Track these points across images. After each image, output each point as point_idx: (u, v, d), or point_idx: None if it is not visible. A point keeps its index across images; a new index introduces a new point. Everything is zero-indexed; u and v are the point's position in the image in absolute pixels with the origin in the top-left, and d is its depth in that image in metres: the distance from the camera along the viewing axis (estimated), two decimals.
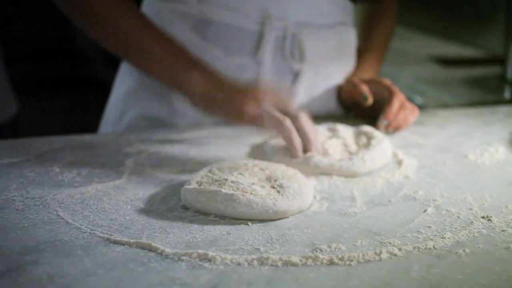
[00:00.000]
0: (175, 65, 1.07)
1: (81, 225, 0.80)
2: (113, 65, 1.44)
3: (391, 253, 0.75)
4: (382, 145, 1.03)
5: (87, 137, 1.12)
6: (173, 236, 0.78)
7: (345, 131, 1.09)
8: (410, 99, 1.56)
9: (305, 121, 1.00)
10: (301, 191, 0.85)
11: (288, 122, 0.98)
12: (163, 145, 1.10)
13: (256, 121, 1.00)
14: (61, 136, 1.11)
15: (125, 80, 1.27)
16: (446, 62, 1.93)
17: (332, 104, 1.28)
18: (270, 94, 1.03)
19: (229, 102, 1.02)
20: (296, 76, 1.21)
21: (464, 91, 1.64)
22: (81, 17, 1.11)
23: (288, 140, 0.98)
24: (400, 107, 1.13)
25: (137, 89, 1.24)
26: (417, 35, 2.36)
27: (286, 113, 1.00)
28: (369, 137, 1.07)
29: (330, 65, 1.25)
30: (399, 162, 1.04)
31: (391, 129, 1.12)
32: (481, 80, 1.75)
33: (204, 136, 1.14)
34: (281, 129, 0.98)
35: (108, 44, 1.12)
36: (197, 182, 0.86)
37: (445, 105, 1.50)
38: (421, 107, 1.50)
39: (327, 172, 0.98)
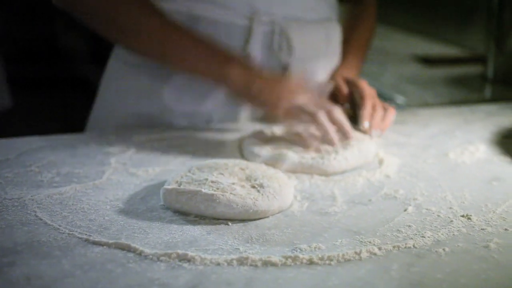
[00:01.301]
0: (213, 60, 1.11)
1: (60, 225, 0.79)
2: (96, 64, 1.43)
3: (371, 252, 0.75)
4: (361, 145, 1.03)
5: (68, 137, 1.11)
6: (152, 236, 0.77)
7: None
8: (391, 99, 1.57)
9: (340, 113, 1.05)
10: (282, 191, 0.85)
11: (322, 114, 1.03)
12: (145, 144, 1.09)
13: (290, 114, 1.06)
14: (42, 136, 1.10)
15: (113, 78, 1.27)
16: (428, 61, 1.94)
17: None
18: (304, 87, 1.08)
19: (265, 95, 1.07)
20: (284, 70, 1.21)
21: (446, 90, 1.64)
22: (105, 24, 1.14)
23: (324, 131, 1.02)
24: (373, 108, 1.13)
25: (127, 87, 1.23)
26: (400, 34, 2.37)
27: (320, 106, 1.05)
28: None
29: (317, 61, 1.25)
30: (380, 161, 1.04)
31: (378, 131, 1.11)
32: (462, 79, 1.75)
33: (186, 136, 1.14)
34: (316, 121, 1.03)
35: (140, 49, 1.16)
36: (177, 182, 0.86)
37: (427, 104, 1.50)
38: (403, 107, 1.51)
39: (298, 170, 0.98)
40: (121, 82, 1.24)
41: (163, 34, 1.11)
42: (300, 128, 1.05)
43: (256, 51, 1.19)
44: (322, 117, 1.03)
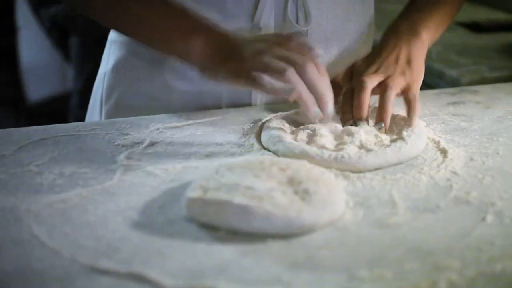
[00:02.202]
0: (174, 32, 0.94)
1: (60, 247, 0.64)
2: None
3: (450, 282, 0.59)
4: (412, 139, 0.87)
5: (73, 126, 0.96)
6: (173, 261, 0.62)
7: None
8: (442, 74, 1.40)
9: (312, 70, 0.85)
10: (331, 198, 0.69)
11: (290, 73, 0.83)
12: (161, 134, 0.93)
13: (255, 79, 0.85)
14: (43, 126, 0.95)
15: (112, 52, 1.12)
16: (477, 27, 1.74)
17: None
18: (279, 43, 0.88)
19: (230, 61, 0.88)
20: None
21: (503, 61, 1.45)
22: None
23: (297, 97, 0.84)
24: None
25: (126, 62, 1.09)
26: None
27: (291, 61, 0.84)
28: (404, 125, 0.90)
29: (340, 30, 1.07)
30: (443, 153, 0.87)
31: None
32: None
33: (211, 122, 0.98)
34: (284, 81, 0.83)
35: (95, 11, 0.99)
36: (202, 187, 0.70)
37: (484, 79, 1.32)
38: (457, 83, 1.34)
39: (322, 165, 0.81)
40: (121, 56, 1.10)
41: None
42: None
43: (268, 20, 1.02)
44: (292, 75, 0.83)
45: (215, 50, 0.90)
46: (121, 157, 0.85)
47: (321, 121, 0.88)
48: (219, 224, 0.67)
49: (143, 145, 0.89)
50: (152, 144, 0.89)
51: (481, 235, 0.67)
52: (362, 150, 0.84)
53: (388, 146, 0.85)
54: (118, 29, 1.04)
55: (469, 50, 1.54)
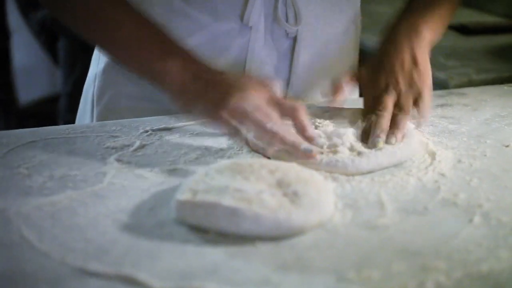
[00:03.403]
0: (148, 53, 0.90)
1: (50, 249, 0.64)
2: None
3: (437, 283, 0.59)
4: (404, 142, 0.88)
5: (63, 129, 0.96)
6: (163, 262, 0.63)
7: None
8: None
9: (301, 114, 0.83)
10: (320, 200, 0.70)
11: (272, 125, 0.80)
12: (151, 136, 0.93)
13: (233, 118, 0.81)
14: (33, 129, 0.95)
15: (102, 54, 1.11)
16: (465, 30, 1.75)
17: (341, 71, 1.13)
18: (260, 85, 0.85)
19: (207, 94, 0.84)
20: (294, 41, 1.05)
21: (491, 63, 1.47)
22: None
23: (280, 142, 0.81)
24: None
25: (116, 64, 1.07)
26: None
27: (278, 107, 0.83)
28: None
29: (330, 32, 1.08)
30: (431, 154, 0.88)
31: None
32: (507, 49, 1.58)
33: (200, 124, 0.98)
34: (265, 132, 0.81)
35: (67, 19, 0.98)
36: (192, 190, 0.70)
37: (472, 82, 1.33)
38: (444, 85, 1.34)
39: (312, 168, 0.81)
40: (113, 65, 1.08)
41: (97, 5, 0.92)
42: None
43: (258, 20, 1.02)
44: (274, 127, 0.80)
45: (194, 79, 0.86)
46: (111, 159, 0.85)
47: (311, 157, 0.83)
48: (209, 226, 0.67)
49: (133, 148, 0.89)
50: (142, 146, 0.90)
51: (468, 237, 0.67)
52: (354, 153, 0.84)
53: (380, 149, 0.85)
54: (95, 43, 1.01)
55: (457, 53, 1.55)
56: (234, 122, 0.82)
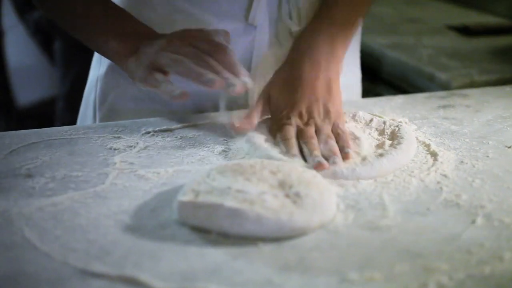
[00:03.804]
0: (96, 32, 0.98)
1: (51, 250, 0.64)
2: None
3: (439, 284, 0.59)
4: (403, 146, 0.87)
5: (65, 130, 0.96)
6: (165, 263, 0.62)
7: (369, 122, 0.94)
8: (432, 77, 1.40)
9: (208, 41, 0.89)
10: (323, 201, 0.70)
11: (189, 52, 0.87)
12: (153, 137, 0.93)
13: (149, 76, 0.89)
14: (35, 130, 0.95)
15: (101, 59, 1.11)
16: (467, 31, 1.75)
17: (351, 70, 1.14)
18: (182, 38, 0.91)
19: (134, 57, 0.92)
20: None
21: (493, 64, 1.46)
22: None
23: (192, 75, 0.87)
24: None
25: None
26: (434, 2, 2.18)
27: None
28: (394, 135, 0.90)
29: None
30: (433, 156, 0.88)
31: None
32: (510, 51, 1.57)
33: (202, 125, 0.98)
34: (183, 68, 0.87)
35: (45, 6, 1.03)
36: (194, 191, 0.70)
37: (474, 83, 1.33)
38: (447, 86, 1.34)
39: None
40: (117, 68, 1.06)
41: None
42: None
43: (262, 19, 1.03)
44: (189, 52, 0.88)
45: (127, 46, 0.93)
46: (113, 160, 0.85)
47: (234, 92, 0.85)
48: (211, 227, 0.67)
49: (135, 149, 0.89)
50: (144, 147, 0.90)
51: (470, 238, 0.67)
52: (358, 159, 0.83)
53: (381, 155, 0.84)
54: (61, 25, 1.05)
55: (459, 54, 1.54)
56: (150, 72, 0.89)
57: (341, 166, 0.81)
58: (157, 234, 0.68)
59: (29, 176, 0.80)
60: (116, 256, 0.63)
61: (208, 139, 0.93)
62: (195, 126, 0.97)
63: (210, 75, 0.85)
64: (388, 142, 0.88)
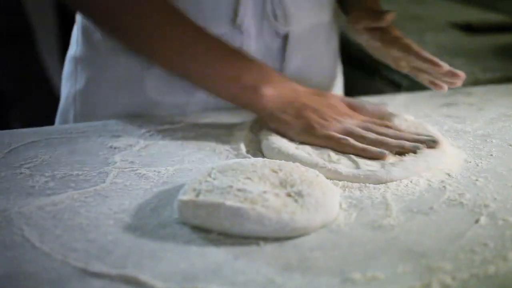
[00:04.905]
0: (237, 81, 0.93)
1: (51, 249, 0.64)
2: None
3: (443, 284, 0.59)
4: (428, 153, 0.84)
5: (65, 128, 0.95)
6: (165, 263, 0.62)
7: (400, 123, 0.93)
8: None
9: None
10: (326, 201, 0.69)
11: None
12: (154, 136, 0.93)
13: (332, 141, 0.86)
14: (35, 128, 0.95)
15: (80, 71, 1.06)
16: (470, 28, 1.74)
17: (334, 68, 1.15)
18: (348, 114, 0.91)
19: (302, 118, 0.89)
20: (285, 40, 1.04)
21: (496, 62, 1.45)
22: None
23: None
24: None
25: (100, 81, 1.04)
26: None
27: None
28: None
29: (320, 30, 1.09)
30: None
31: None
32: None
33: (203, 124, 0.97)
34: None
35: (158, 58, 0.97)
36: (194, 190, 0.70)
37: (478, 81, 1.32)
38: None
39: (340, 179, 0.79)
40: (93, 73, 1.05)
41: (189, 43, 0.94)
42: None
43: (249, 22, 1.01)
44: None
45: (286, 103, 0.90)
46: (114, 159, 0.85)
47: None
48: (212, 226, 0.67)
49: (136, 148, 0.89)
50: (144, 146, 0.89)
51: (474, 237, 0.67)
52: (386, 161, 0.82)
53: (414, 155, 0.83)
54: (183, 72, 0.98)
55: (462, 52, 1.53)
56: (340, 137, 0.86)
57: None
58: (157, 233, 0.67)
59: (29, 175, 0.80)
60: (116, 256, 0.63)
61: (209, 138, 0.92)
62: (196, 125, 0.97)
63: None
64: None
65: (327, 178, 0.76)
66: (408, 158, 0.82)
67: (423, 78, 0.98)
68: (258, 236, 0.66)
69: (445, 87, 0.96)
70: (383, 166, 0.80)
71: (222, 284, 0.59)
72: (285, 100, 0.91)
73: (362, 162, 0.82)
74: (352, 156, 0.83)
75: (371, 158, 0.83)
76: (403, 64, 0.99)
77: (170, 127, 0.96)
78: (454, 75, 0.93)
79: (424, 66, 0.95)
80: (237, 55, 0.95)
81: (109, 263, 0.62)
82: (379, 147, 0.84)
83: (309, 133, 0.88)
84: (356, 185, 0.78)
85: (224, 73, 0.93)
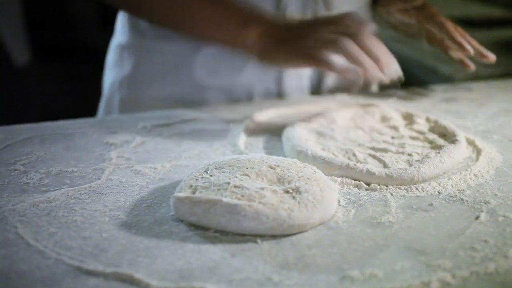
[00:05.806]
0: (228, 24, 0.95)
1: (45, 247, 0.63)
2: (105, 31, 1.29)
3: (442, 282, 0.58)
4: (451, 148, 0.83)
5: (61, 125, 0.94)
6: (161, 261, 0.61)
7: (420, 121, 0.92)
8: (435, 70, 1.38)
9: (367, 38, 0.86)
10: (324, 197, 0.68)
11: (346, 42, 0.85)
12: (150, 132, 0.92)
13: (318, 57, 0.86)
14: (30, 124, 0.94)
15: (126, 58, 1.09)
16: (470, 23, 1.73)
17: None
18: (332, 22, 0.90)
19: (288, 43, 0.90)
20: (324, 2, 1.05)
21: (497, 57, 1.43)
22: None
23: (354, 60, 0.84)
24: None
25: (148, 67, 1.07)
26: None
27: (346, 34, 0.86)
28: (444, 136, 0.88)
29: (357, 8, 1.09)
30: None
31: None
32: None
33: (200, 119, 0.97)
34: (340, 50, 0.84)
35: (144, 11, 1.00)
36: (191, 186, 0.69)
37: (478, 76, 1.31)
38: (450, 80, 1.32)
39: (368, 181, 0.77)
40: (140, 59, 1.07)
41: None
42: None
43: (291, 6, 1.02)
44: (348, 44, 0.84)
45: (271, 35, 0.91)
46: (109, 156, 0.84)
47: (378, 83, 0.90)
48: (208, 223, 0.66)
49: (132, 144, 0.88)
50: (141, 142, 0.88)
51: (474, 234, 0.66)
52: (410, 158, 0.80)
53: (438, 152, 0.81)
54: (165, 24, 1.01)
55: None
56: (317, 53, 0.86)
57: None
58: (153, 230, 0.66)
59: (24, 171, 0.79)
60: (111, 254, 0.62)
61: (206, 134, 0.91)
62: (193, 121, 0.96)
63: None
64: (438, 139, 0.86)
65: (356, 180, 0.76)
66: (432, 154, 0.81)
67: (453, 55, 1.03)
68: (255, 233, 0.65)
69: (473, 66, 1.02)
70: (410, 164, 0.79)
71: (219, 282, 0.58)
72: (272, 36, 0.92)
73: (388, 160, 0.80)
74: (377, 155, 0.81)
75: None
76: (436, 40, 1.02)
77: (167, 123, 0.95)
78: (482, 55, 1.00)
79: (454, 46, 1.00)
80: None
81: (104, 261, 0.61)
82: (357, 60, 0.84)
83: (294, 57, 0.90)
84: (354, 181, 0.76)
85: (213, 19, 0.96)
